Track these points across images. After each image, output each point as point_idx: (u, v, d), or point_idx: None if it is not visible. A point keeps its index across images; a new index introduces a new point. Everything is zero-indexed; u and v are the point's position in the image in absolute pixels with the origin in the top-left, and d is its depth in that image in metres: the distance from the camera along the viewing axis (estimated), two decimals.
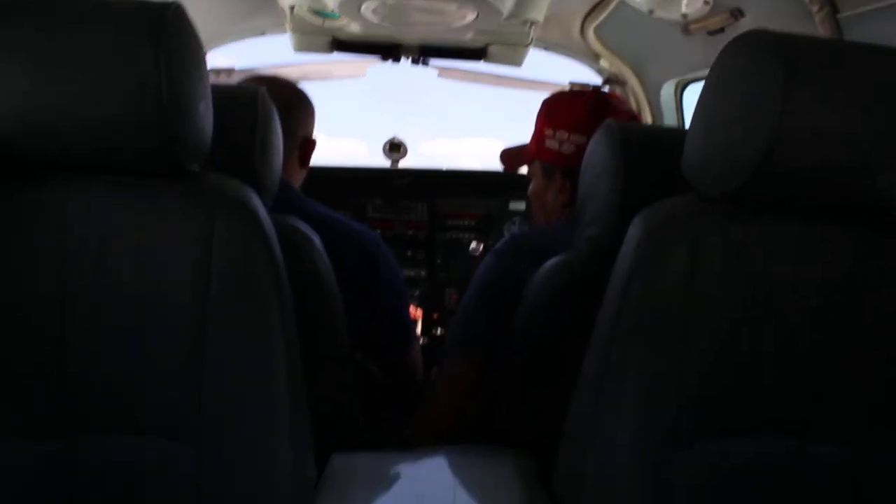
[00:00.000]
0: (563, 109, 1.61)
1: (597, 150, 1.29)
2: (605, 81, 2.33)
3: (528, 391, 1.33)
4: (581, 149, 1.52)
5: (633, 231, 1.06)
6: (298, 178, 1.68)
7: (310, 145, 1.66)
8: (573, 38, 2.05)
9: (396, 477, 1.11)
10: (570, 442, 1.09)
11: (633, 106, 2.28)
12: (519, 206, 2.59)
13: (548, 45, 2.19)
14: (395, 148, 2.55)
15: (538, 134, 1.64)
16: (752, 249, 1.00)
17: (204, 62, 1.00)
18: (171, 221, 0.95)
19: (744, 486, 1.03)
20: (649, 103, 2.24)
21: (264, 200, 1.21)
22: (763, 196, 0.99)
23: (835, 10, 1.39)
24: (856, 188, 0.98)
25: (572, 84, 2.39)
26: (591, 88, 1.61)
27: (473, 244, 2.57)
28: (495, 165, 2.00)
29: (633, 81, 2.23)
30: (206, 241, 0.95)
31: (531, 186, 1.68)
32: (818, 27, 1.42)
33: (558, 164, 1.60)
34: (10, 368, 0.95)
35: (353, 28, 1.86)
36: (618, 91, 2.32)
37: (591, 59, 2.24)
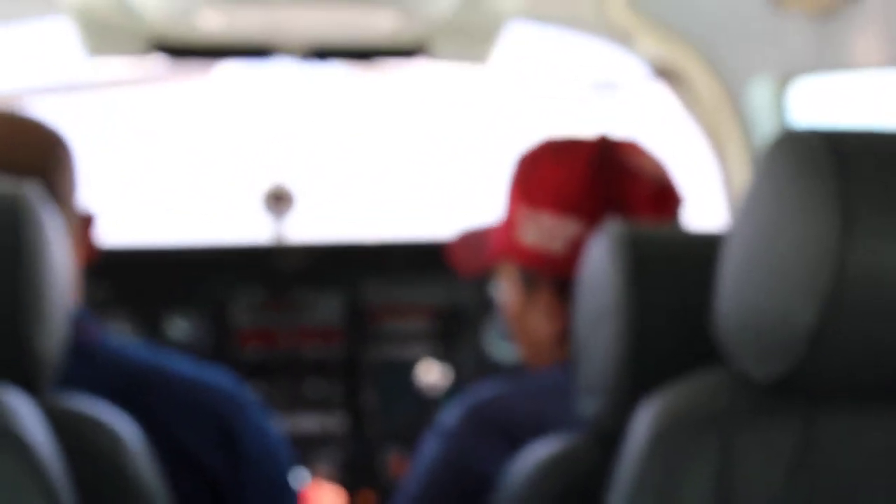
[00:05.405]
0: (547, 175, 1.73)
1: (597, 269, 1.44)
2: (656, 75, 2.50)
3: None
4: (579, 245, 1.61)
5: (640, 427, 1.23)
6: (82, 287, 1.73)
7: (88, 228, 1.72)
8: (584, 8, 2.22)
9: None
10: None
11: (706, 110, 2.45)
12: None
13: (543, 18, 2.33)
14: (279, 199, 2.71)
15: (510, 215, 1.75)
16: (824, 462, 1.18)
17: None
18: None
19: None
20: (731, 111, 2.42)
21: (44, 382, 1.36)
22: (835, 376, 1.15)
23: None
24: None
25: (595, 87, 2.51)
26: (595, 139, 1.75)
27: (426, 369, 2.70)
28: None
29: (696, 74, 2.38)
30: None
31: (504, 301, 1.82)
32: None
33: (543, 269, 1.71)
34: None
35: (189, 26, 2.00)
36: (677, 90, 2.48)
37: (622, 39, 2.37)
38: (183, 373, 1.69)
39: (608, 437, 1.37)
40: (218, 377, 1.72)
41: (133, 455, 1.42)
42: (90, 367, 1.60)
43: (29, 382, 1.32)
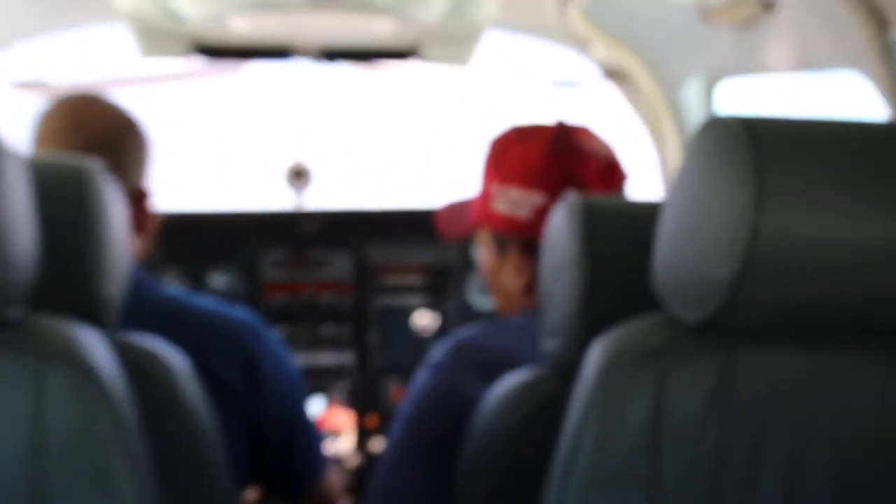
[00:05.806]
0: (514, 155, 1.75)
1: (558, 233, 1.49)
2: (606, 75, 2.58)
3: None
4: (541, 212, 1.67)
5: (590, 362, 1.29)
6: (137, 249, 1.83)
7: (144, 200, 1.79)
8: (547, 19, 2.26)
9: None
10: None
11: (647, 105, 2.52)
12: None
13: (514, 27, 2.40)
14: (299, 175, 2.80)
15: (484, 190, 1.78)
16: (739, 391, 1.22)
17: (23, 185, 1.17)
18: None
19: None
20: (667, 106, 2.50)
21: (108, 319, 1.44)
22: (750, 320, 1.20)
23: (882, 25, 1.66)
24: (864, 300, 1.17)
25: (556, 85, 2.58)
26: (554, 124, 1.78)
27: (420, 315, 2.78)
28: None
29: (639, 75, 2.45)
30: (37, 401, 1.20)
31: (481, 260, 1.85)
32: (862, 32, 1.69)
33: (512, 234, 1.75)
34: None
35: (223, 31, 2.12)
36: (623, 88, 2.55)
37: (578, 45, 2.44)
38: (213, 309, 1.78)
39: (566, 371, 1.44)
40: (242, 313, 1.81)
41: (185, 382, 1.51)
42: (143, 307, 1.70)
43: (97, 321, 1.39)
